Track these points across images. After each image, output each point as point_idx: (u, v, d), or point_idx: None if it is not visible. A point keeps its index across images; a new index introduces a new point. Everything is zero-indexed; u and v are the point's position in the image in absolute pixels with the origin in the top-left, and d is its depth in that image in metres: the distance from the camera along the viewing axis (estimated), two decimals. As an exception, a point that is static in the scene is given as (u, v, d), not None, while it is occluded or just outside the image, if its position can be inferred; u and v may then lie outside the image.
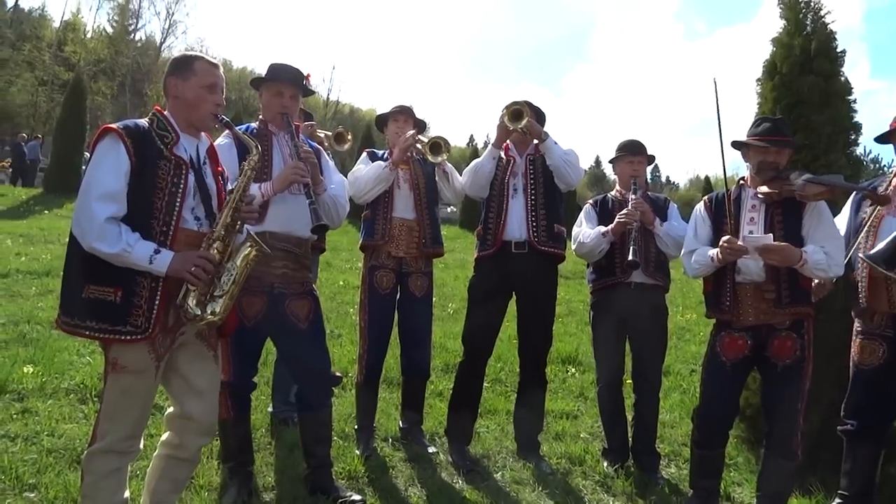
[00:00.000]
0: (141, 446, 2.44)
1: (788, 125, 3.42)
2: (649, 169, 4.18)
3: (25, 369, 4.37)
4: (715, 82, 3.20)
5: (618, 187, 4.10)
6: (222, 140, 3.08)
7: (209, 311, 2.33)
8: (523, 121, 3.73)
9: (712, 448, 3.30)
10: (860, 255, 3.06)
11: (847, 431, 3.22)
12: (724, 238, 3.08)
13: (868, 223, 3.25)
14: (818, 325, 3.35)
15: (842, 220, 3.36)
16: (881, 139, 3.42)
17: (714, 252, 3.15)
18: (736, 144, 3.31)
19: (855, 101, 3.97)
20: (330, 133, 4.75)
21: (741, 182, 3.34)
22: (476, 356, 3.92)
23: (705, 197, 3.48)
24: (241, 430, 3.17)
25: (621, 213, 3.78)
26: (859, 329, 3.26)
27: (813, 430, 3.45)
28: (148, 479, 2.54)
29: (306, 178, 3.04)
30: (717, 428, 3.28)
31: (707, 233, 3.30)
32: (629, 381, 4.04)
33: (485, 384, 4.40)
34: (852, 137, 3.96)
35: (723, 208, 3.22)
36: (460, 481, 3.54)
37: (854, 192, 3.32)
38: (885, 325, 3.16)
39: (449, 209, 19.52)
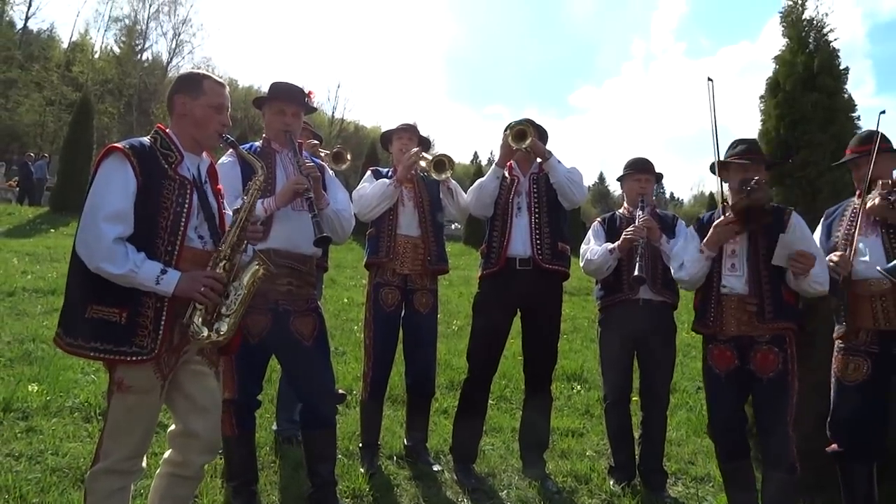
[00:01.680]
0: (144, 465, 2.43)
1: (758, 145, 3.57)
2: (652, 185, 4.20)
3: (30, 388, 4.38)
4: (710, 81, 3.37)
5: (625, 205, 4.11)
6: (226, 158, 3.10)
7: (215, 331, 2.33)
8: (527, 141, 3.76)
9: (736, 459, 3.32)
10: (878, 268, 3.10)
11: (836, 454, 3.22)
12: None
13: (844, 247, 3.28)
14: (821, 341, 3.37)
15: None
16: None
17: (701, 245, 3.31)
18: (716, 166, 3.41)
19: (859, 118, 3.99)
20: (329, 152, 4.79)
21: (724, 204, 3.44)
22: (481, 373, 3.91)
23: (697, 217, 3.63)
24: (245, 449, 3.16)
25: (627, 229, 3.79)
26: (841, 346, 3.29)
27: (820, 450, 3.41)
28: (151, 498, 2.52)
29: (308, 191, 3.05)
30: (730, 439, 3.31)
31: (695, 248, 3.38)
32: (636, 398, 4.02)
33: (490, 402, 4.38)
34: (856, 155, 3.96)
35: (707, 228, 3.38)
36: (465, 500, 3.51)
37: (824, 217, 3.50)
38: (869, 341, 3.19)
39: (453, 226, 19.55)
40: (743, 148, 3.40)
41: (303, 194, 3.07)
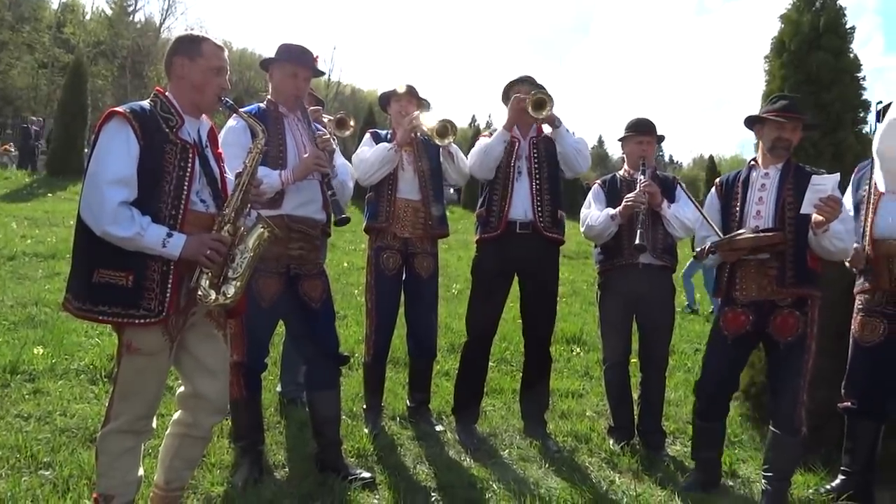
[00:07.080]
0: (154, 425, 2.47)
1: (805, 104, 3.44)
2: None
3: (35, 351, 4.42)
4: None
5: (626, 167, 4.09)
6: (235, 123, 3.04)
7: (222, 294, 2.34)
8: (545, 110, 3.71)
9: (712, 420, 3.37)
10: None
11: (848, 409, 3.27)
12: None
13: (867, 203, 3.27)
14: (823, 303, 3.37)
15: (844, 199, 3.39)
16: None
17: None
18: (751, 120, 3.31)
19: (864, 79, 3.95)
20: (332, 118, 4.73)
21: (751, 163, 3.36)
22: (480, 337, 3.95)
23: (717, 179, 3.54)
24: (252, 410, 3.22)
25: (628, 196, 3.77)
26: (860, 306, 3.30)
27: (816, 408, 3.47)
28: (161, 458, 2.57)
29: (326, 168, 3.08)
30: (716, 400, 3.35)
31: (717, 220, 3.34)
32: (634, 360, 4.07)
33: (490, 364, 4.43)
34: (861, 115, 3.94)
35: (732, 189, 3.32)
36: (468, 459, 3.58)
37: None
38: (885, 301, 3.21)
39: (451, 190, 19.47)
40: (784, 104, 3.20)
41: (320, 170, 3.09)
